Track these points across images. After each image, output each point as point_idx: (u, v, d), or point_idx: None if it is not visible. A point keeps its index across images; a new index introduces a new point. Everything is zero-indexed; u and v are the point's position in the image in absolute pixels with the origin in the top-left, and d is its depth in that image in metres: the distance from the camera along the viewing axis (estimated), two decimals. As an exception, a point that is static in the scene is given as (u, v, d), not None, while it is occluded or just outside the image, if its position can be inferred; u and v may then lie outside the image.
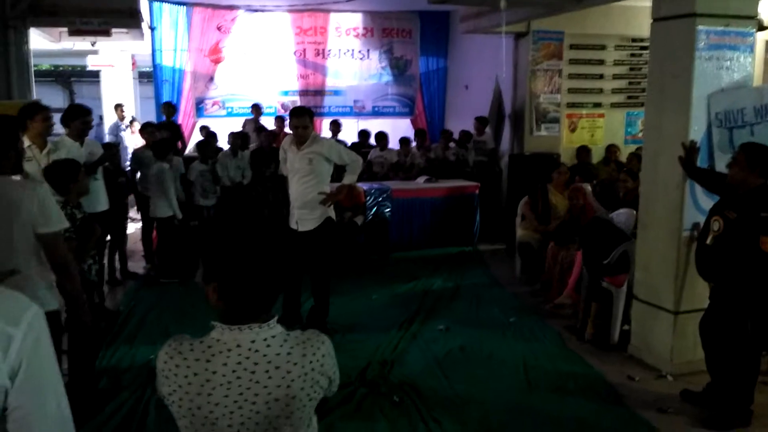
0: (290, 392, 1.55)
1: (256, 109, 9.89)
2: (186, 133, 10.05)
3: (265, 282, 1.57)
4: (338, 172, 5.38)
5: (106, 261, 6.52)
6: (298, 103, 10.76)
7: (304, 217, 5.18)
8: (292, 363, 1.56)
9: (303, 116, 5.08)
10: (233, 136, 8.15)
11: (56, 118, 5.33)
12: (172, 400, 1.55)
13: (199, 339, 1.58)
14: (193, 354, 1.54)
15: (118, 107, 10.54)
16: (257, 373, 1.53)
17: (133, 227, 9.26)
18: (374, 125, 10.68)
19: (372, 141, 9.77)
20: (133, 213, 8.50)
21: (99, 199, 5.66)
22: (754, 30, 4.54)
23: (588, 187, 6.72)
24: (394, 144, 9.48)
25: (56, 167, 4.01)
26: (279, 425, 1.56)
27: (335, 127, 9.62)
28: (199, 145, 8.02)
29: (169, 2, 9.94)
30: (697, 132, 4.42)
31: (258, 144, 8.57)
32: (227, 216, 7.31)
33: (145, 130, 7.57)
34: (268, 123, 9.72)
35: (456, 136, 9.44)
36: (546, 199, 6.83)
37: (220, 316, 1.59)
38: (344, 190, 5.37)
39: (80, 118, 5.45)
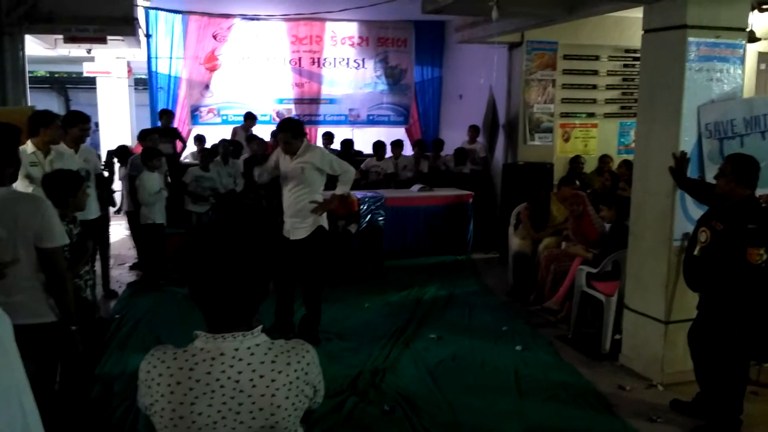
0: (275, 401, 1.54)
1: (250, 117, 9.89)
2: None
3: (232, 292, 1.56)
4: (331, 180, 5.39)
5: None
6: (294, 112, 10.84)
7: (296, 226, 5.18)
8: (277, 371, 1.56)
9: (285, 132, 5.04)
10: (223, 144, 8.18)
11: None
12: (154, 410, 1.54)
13: (183, 348, 1.58)
14: (177, 362, 1.54)
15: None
16: (241, 381, 1.52)
17: (125, 233, 9.27)
18: (369, 134, 10.72)
19: (358, 149, 9.83)
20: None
21: (90, 207, 5.64)
22: (744, 42, 4.58)
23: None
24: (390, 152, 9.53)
25: (57, 178, 3.76)
26: None
27: (328, 138, 9.64)
28: (202, 152, 8.17)
29: (165, 10, 9.96)
30: (687, 142, 4.46)
31: (250, 152, 8.60)
32: (218, 225, 7.38)
33: (145, 138, 7.61)
34: (263, 131, 9.71)
35: (452, 146, 9.45)
36: (547, 207, 6.83)
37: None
38: (336, 200, 5.35)
39: (78, 125, 5.45)
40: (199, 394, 1.51)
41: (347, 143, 9.86)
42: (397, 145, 9.39)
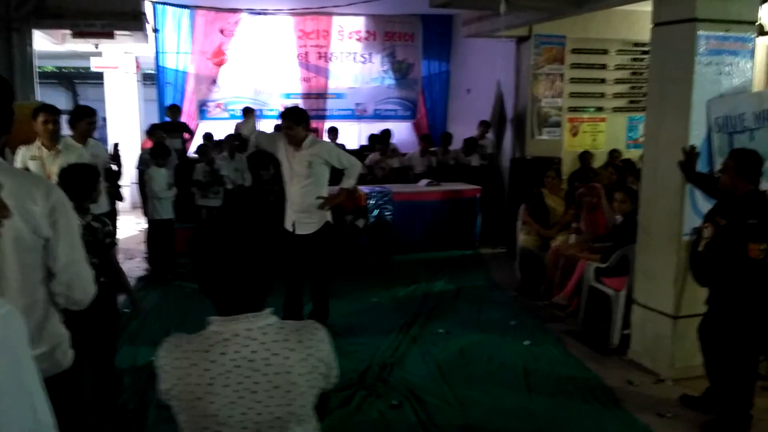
0: (290, 378, 1.56)
1: (249, 111, 9.88)
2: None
3: (241, 273, 1.57)
4: (336, 175, 5.36)
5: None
6: (301, 106, 10.78)
7: (302, 221, 5.13)
8: (290, 349, 1.58)
9: (286, 118, 5.04)
10: (228, 139, 8.19)
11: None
12: (172, 394, 1.56)
13: (197, 333, 1.60)
14: (192, 346, 1.56)
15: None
16: (256, 361, 1.54)
17: (137, 229, 9.32)
18: (376, 128, 10.72)
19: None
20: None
21: (99, 201, 5.65)
22: (755, 35, 4.55)
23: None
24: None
25: (75, 172, 3.65)
26: (281, 414, 1.56)
27: (333, 133, 9.63)
28: (198, 150, 8.25)
29: (172, 5, 9.98)
30: (697, 137, 4.43)
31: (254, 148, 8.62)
32: (225, 213, 7.41)
33: (154, 132, 7.64)
34: (270, 126, 9.71)
35: (460, 141, 9.44)
36: (542, 204, 6.84)
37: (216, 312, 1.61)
38: (343, 194, 5.32)
39: (85, 119, 5.46)
40: (215, 375, 1.52)
41: (374, 138, 9.96)
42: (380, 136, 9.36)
